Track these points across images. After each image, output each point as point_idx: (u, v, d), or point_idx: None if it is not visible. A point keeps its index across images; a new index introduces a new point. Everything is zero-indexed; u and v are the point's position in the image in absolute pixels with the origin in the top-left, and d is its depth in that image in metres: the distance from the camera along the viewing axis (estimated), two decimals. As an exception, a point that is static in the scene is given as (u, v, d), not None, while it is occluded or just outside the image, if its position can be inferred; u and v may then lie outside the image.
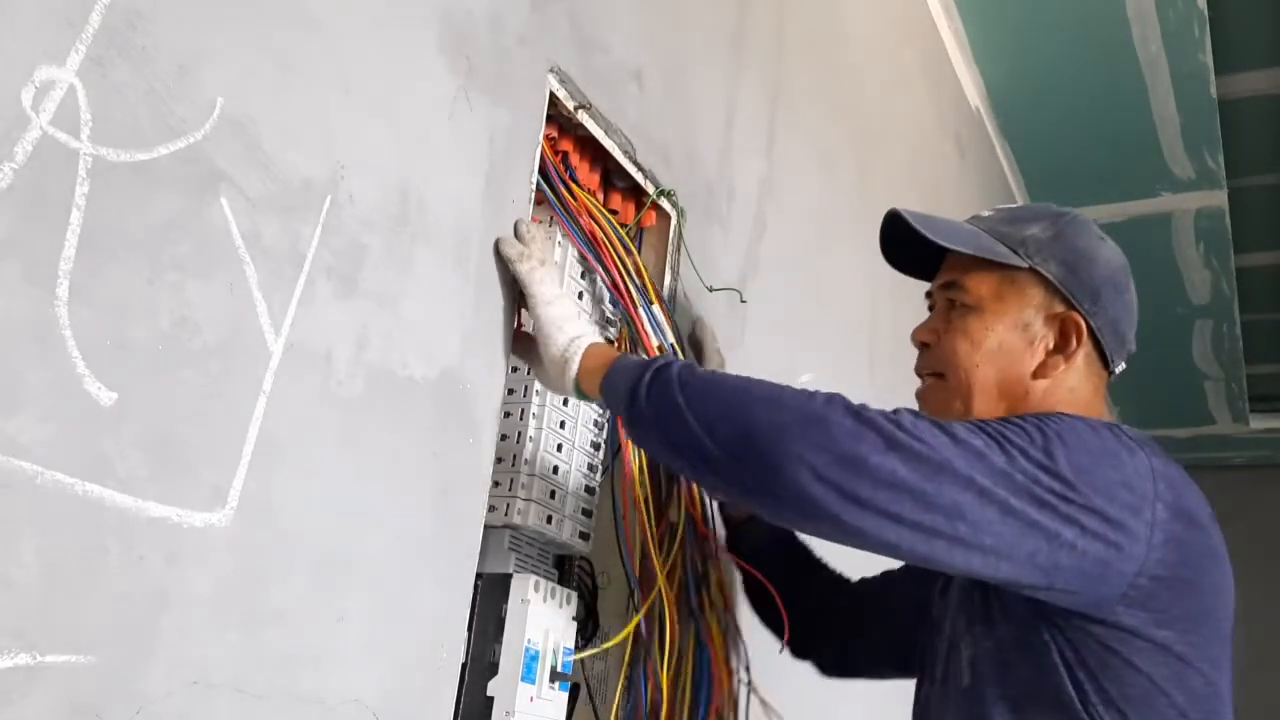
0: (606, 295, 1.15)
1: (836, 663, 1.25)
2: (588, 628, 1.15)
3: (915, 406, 1.07)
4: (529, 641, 0.98)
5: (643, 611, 1.07)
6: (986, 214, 1.09)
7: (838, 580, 1.26)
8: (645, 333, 1.14)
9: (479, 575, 0.96)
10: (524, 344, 1.04)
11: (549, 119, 1.08)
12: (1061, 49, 2.71)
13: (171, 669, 0.66)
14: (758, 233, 1.52)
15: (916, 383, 1.09)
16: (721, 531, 1.26)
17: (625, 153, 1.20)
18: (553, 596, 1.02)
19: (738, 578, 1.27)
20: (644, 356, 1.00)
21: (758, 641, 1.27)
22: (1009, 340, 1.01)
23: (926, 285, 1.12)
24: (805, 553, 1.26)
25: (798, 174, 1.69)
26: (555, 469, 1.05)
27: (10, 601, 0.58)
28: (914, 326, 1.10)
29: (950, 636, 1.02)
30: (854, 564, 1.28)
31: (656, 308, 1.17)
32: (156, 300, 0.66)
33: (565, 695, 1.02)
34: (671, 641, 1.08)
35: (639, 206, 1.25)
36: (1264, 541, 4.01)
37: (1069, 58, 2.74)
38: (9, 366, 0.58)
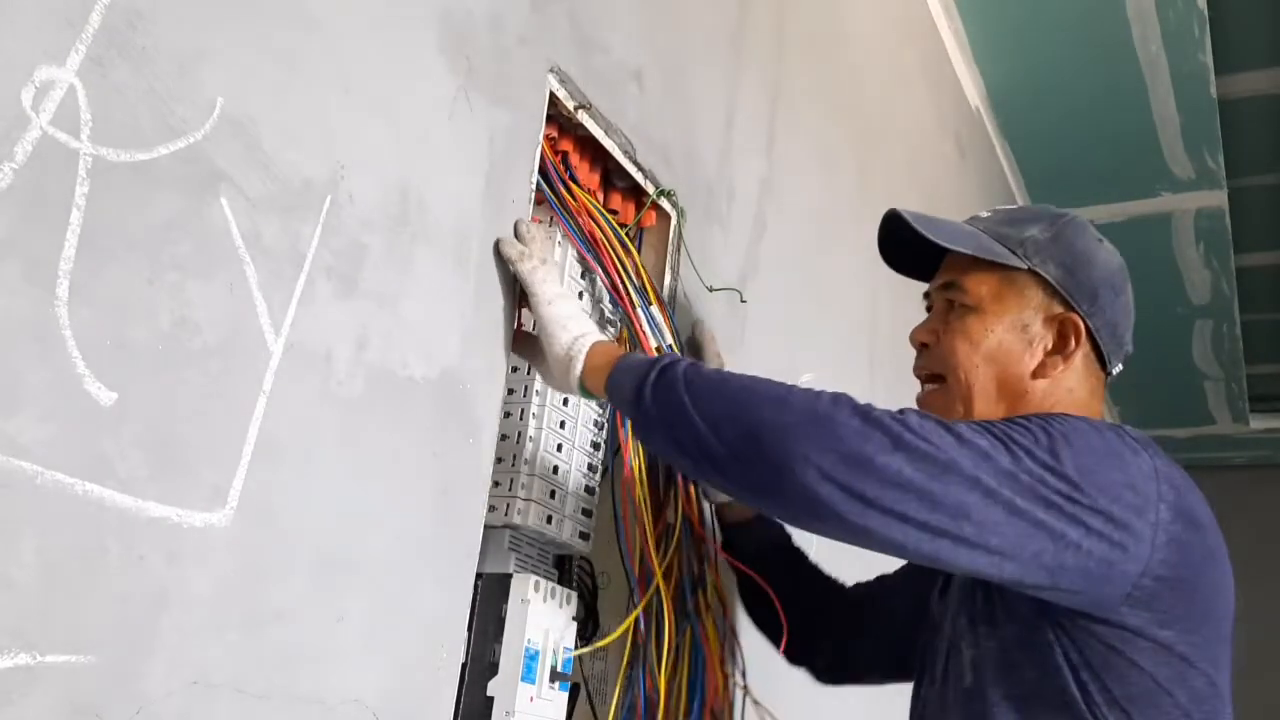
0: (606, 296, 1.15)
1: (832, 667, 1.25)
2: (588, 628, 1.15)
3: (912, 404, 1.07)
4: (529, 641, 0.98)
5: (640, 606, 1.07)
6: (985, 215, 1.09)
7: (832, 585, 1.26)
8: (643, 334, 1.14)
9: (479, 575, 0.96)
10: (527, 343, 1.04)
11: (549, 119, 1.08)
12: (1061, 49, 2.71)
13: (171, 669, 0.66)
14: (758, 233, 1.52)
15: (916, 383, 1.09)
16: (718, 534, 1.26)
17: (625, 153, 1.20)
18: (553, 596, 1.02)
19: (734, 581, 1.27)
20: (649, 355, 1.00)
21: (754, 645, 1.27)
22: (1008, 341, 1.01)
23: (925, 286, 1.12)
24: (800, 558, 1.26)
25: (798, 174, 1.69)
26: (555, 469, 1.05)
27: (10, 601, 0.58)
28: (911, 325, 1.10)
29: (951, 636, 1.02)
30: (850, 569, 1.28)
31: (655, 308, 1.17)
32: (156, 300, 0.66)
33: (565, 695, 1.02)
34: (669, 641, 1.08)
35: (639, 206, 1.25)
36: (1264, 541, 4.01)
37: (1069, 58, 2.74)
38: (9, 366, 0.58)
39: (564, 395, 1.07)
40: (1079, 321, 1.01)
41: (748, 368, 1.43)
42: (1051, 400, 1.01)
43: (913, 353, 1.10)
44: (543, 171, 1.06)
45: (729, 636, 1.22)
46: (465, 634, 0.94)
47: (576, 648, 1.05)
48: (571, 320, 0.99)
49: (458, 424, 0.93)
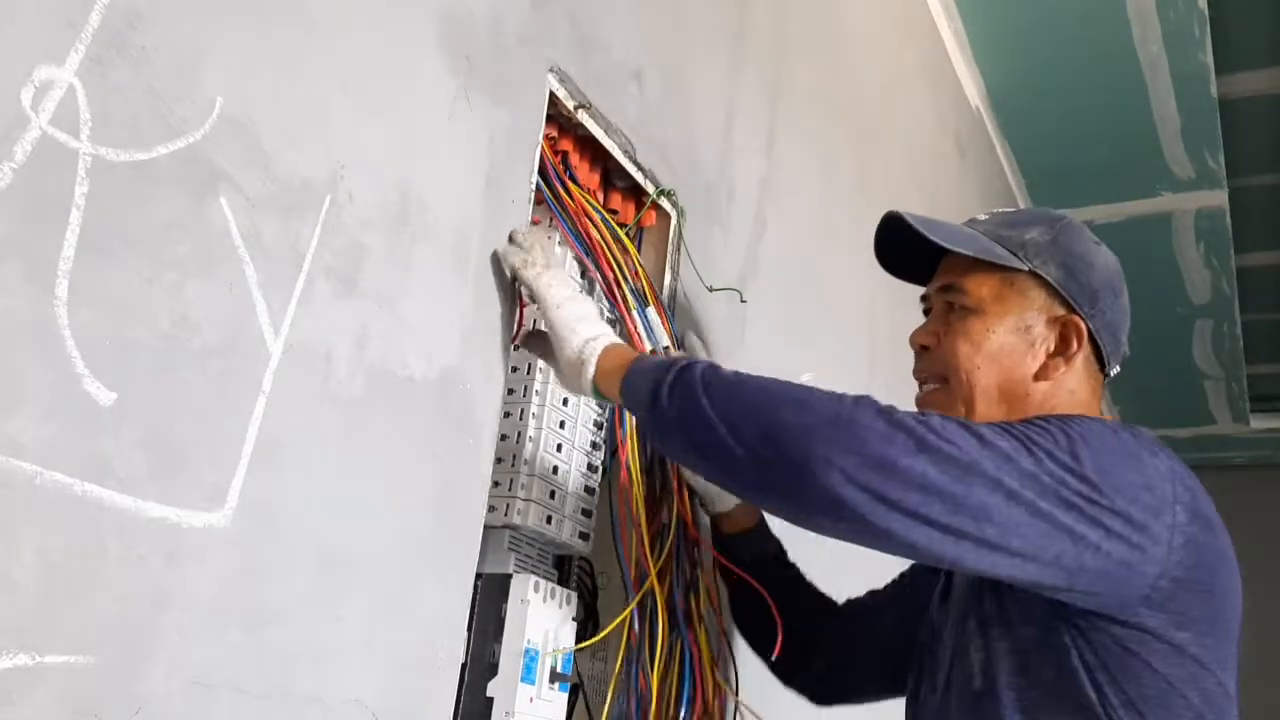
0: (603, 298, 1.15)
1: (827, 686, 1.24)
2: (588, 628, 1.15)
3: (911, 405, 1.06)
4: (529, 642, 0.98)
5: (635, 601, 1.06)
6: (983, 218, 1.09)
7: (826, 601, 1.25)
8: (637, 336, 1.14)
9: (479, 575, 0.96)
10: (541, 343, 1.03)
11: (549, 119, 1.08)
12: (1062, 49, 2.71)
13: (171, 669, 0.66)
14: (758, 233, 1.52)
15: (915, 383, 1.09)
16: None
17: (625, 152, 1.20)
18: (552, 597, 1.02)
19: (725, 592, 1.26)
20: (661, 359, 1.00)
21: (747, 653, 1.26)
22: (1010, 342, 1.01)
23: (921, 289, 1.12)
24: (796, 573, 1.24)
25: (798, 174, 1.69)
26: (555, 469, 1.05)
27: (10, 601, 0.58)
28: (912, 326, 1.10)
29: (955, 641, 1.01)
30: (842, 581, 1.28)
31: (652, 310, 1.16)
32: (156, 300, 0.66)
33: (565, 696, 1.02)
34: (662, 641, 1.08)
35: (639, 206, 1.25)
36: (1265, 542, 4.01)
37: (1069, 58, 2.74)
38: (9, 366, 0.58)
39: (564, 395, 1.07)
40: (1080, 323, 1.01)
41: (747, 368, 1.43)
42: (1053, 402, 1.01)
43: (912, 353, 1.10)
44: (542, 172, 1.06)
45: (720, 643, 1.21)
46: (465, 634, 0.94)
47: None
48: (582, 323, 0.98)
49: (458, 424, 0.93)
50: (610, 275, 1.12)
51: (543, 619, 1.00)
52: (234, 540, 0.71)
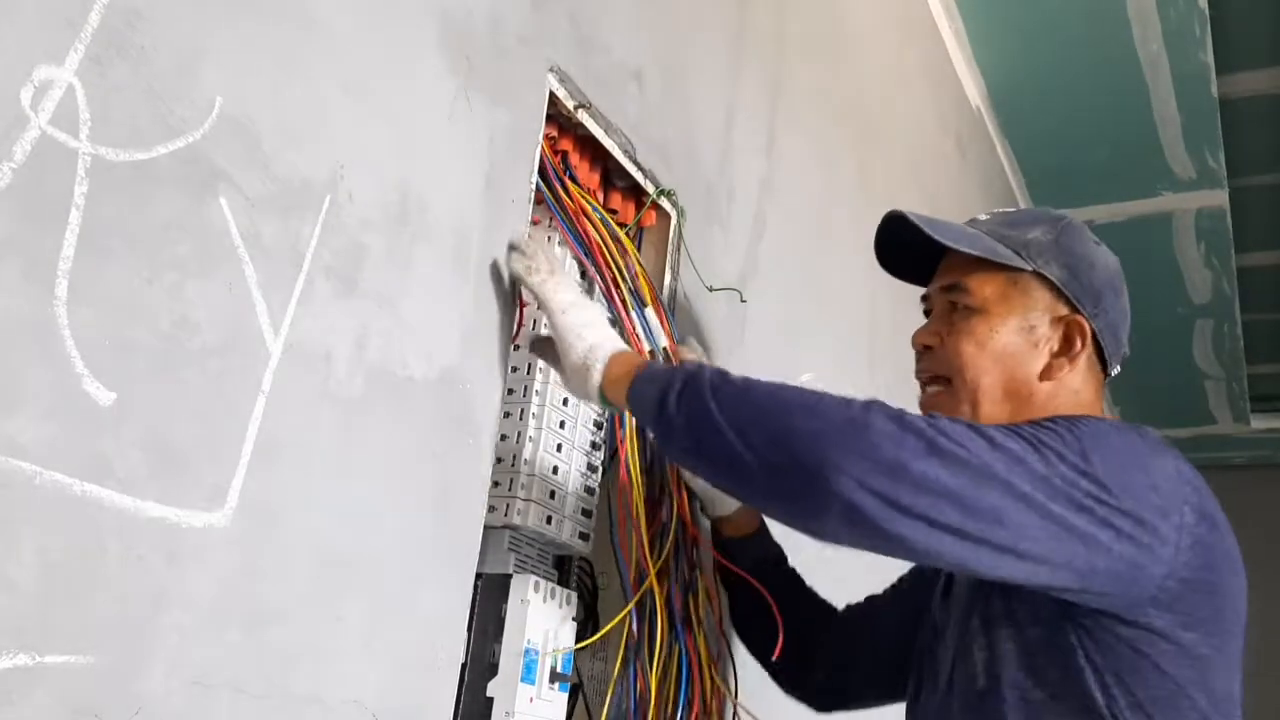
0: (603, 298, 1.15)
1: (828, 693, 1.23)
2: (588, 628, 1.15)
3: (915, 401, 1.06)
4: (529, 642, 0.98)
5: (634, 600, 1.06)
6: (984, 217, 1.09)
7: (826, 607, 1.24)
8: (636, 336, 1.13)
9: (479, 575, 0.96)
10: (547, 348, 1.03)
11: (549, 118, 1.08)
12: (1062, 49, 2.71)
13: (171, 669, 0.66)
14: (758, 233, 1.52)
15: (916, 383, 1.09)
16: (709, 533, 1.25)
17: (625, 152, 1.20)
18: (553, 597, 1.02)
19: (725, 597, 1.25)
20: (669, 366, 0.99)
21: (746, 653, 1.26)
22: (1014, 342, 1.01)
23: (920, 290, 1.12)
24: (797, 579, 1.24)
25: (798, 174, 1.69)
26: (555, 469, 1.05)
27: (10, 601, 0.58)
28: (913, 326, 1.10)
29: (958, 640, 1.01)
30: (847, 583, 1.28)
31: (650, 310, 1.16)
32: (156, 300, 0.66)
33: (565, 696, 1.02)
34: (661, 641, 1.08)
35: (639, 206, 1.25)
36: (1265, 542, 4.00)
37: (1070, 57, 2.73)
38: (8, 366, 0.58)
39: (564, 395, 1.07)
40: (1084, 323, 1.01)
41: (748, 368, 1.43)
42: (1056, 402, 1.01)
43: (912, 352, 1.10)
44: (541, 172, 1.06)
45: (720, 645, 1.21)
46: (465, 634, 0.94)
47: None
48: (587, 328, 0.98)
49: (458, 424, 0.93)
50: (609, 276, 1.12)
51: (543, 619, 1.00)
52: (234, 540, 0.71)
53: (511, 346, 1.02)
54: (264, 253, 0.74)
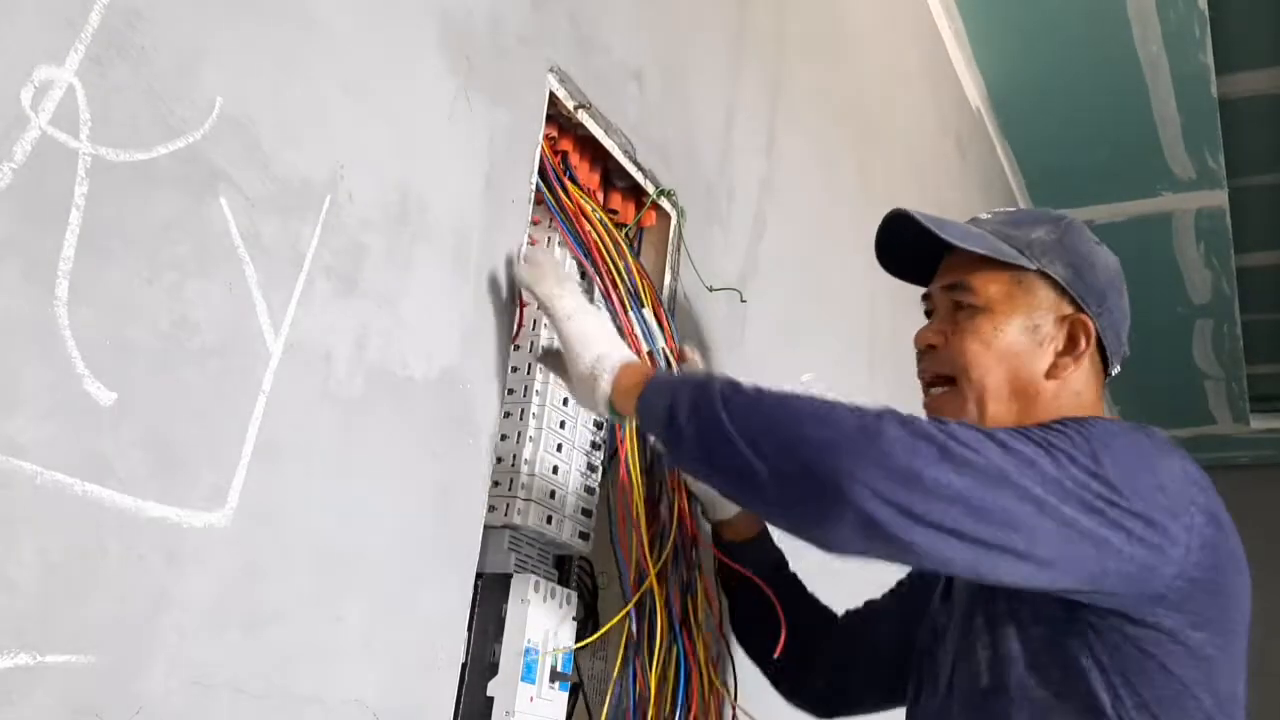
0: (602, 299, 1.15)
1: (829, 699, 1.23)
2: (588, 628, 1.15)
3: (915, 402, 1.06)
4: (529, 641, 0.98)
5: (634, 600, 1.06)
6: (986, 217, 1.09)
7: (826, 612, 1.24)
8: (634, 337, 1.13)
9: (479, 575, 0.96)
10: (557, 361, 1.02)
11: (549, 119, 1.08)
12: (1062, 49, 2.71)
13: (171, 669, 0.66)
14: (758, 233, 1.52)
15: (916, 383, 1.09)
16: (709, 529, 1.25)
17: (625, 152, 1.20)
18: (553, 596, 1.02)
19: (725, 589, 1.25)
20: (679, 376, 0.97)
21: (745, 655, 1.26)
22: (1019, 341, 1.01)
23: (919, 289, 1.12)
24: (798, 583, 1.24)
25: (798, 174, 1.69)
26: (555, 469, 1.05)
27: (10, 601, 0.58)
28: (913, 326, 1.10)
29: (960, 640, 1.00)
30: (847, 591, 1.28)
31: (648, 311, 1.16)
32: (156, 300, 0.66)
33: (565, 695, 1.02)
34: (660, 641, 1.08)
35: (639, 206, 1.25)
36: (1265, 541, 4.00)
37: (1070, 58, 2.74)
38: (9, 366, 0.58)
39: (564, 395, 1.07)
40: (1089, 322, 1.01)
41: (748, 368, 1.43)
42: (1059, 401, 1.01)
43: (912, 353, 1.09)
44: (541, 172, 1.06)
45: (720, 646, 1.21)
46: (465, 634, 0.94)
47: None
48: (593, 339, 0.97)
49: (458, 424, 0.93)
50: (606, 276, 1.12)
51: (543, 619, 1.00)
52: (234, 540, 0.71)
53: (511, 346, 1.02)
54: (264, 253, 0.74)
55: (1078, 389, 1.02)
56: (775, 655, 1.14)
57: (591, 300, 1.14)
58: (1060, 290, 1.02)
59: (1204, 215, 3.26)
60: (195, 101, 0.69)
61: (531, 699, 0.97)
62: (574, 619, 1.05)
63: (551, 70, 1.08)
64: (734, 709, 1.19)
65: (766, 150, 1.58)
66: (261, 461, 0.73)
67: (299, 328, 0.77)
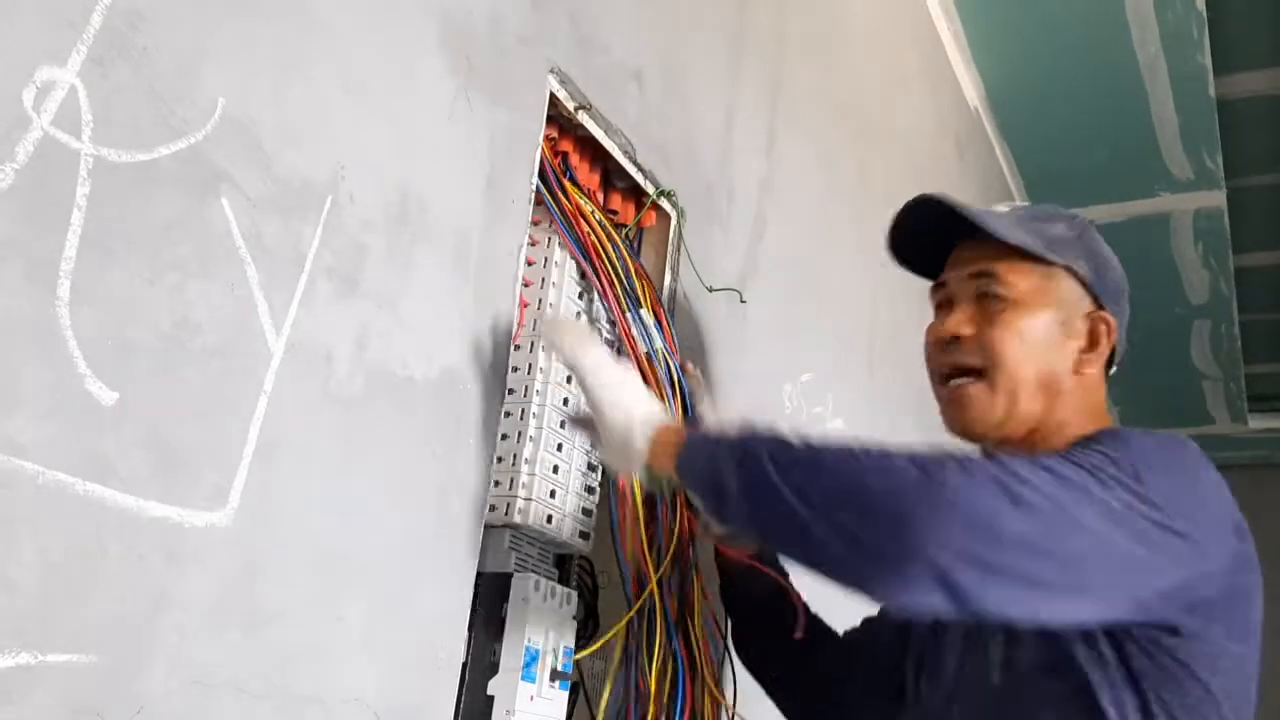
0: (601, 300, 1.15)
1: (824, 712, 1.21)
2: (588, 628, 1.15)
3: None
4: (529, 641, 0.98)
5: (636, 606, 1.06)
6: (1004, 209, 1.07)
7: (828, 631, 1.22)
8: (631, 338, 1.13)
9: (479, 575, 0.96)
10: (586, 425, 1.01)
11: (549, 119, 1.08)
12: (1061, 50, 2.72)
13: (171, 669, 0.66)
14: (758, 233, 1.53)
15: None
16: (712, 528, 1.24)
17: (625, 153, 1.20)
18: (553, 596, 1.02)
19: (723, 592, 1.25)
20: (719, 431, 0.94)
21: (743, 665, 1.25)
22: (1051, 337, 1.00)
23: (928, 284, 1.11)
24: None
25: (798, 174, 1.69)
26: (555, 469, 1.05)
27: (10, 601, 0.58)
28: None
29: (966, 640, 1.00)
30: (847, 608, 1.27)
31: (645, 312, 1.16)
32: (157, 300, 0.66)
33: (565, 694, 1.02)
34: (660, 641, 1.08)
35: (639, 207, 1.25)
36: (1264, 542, 4.01)
37: (1068, 59, 2.74)
38: (10, 366, 0.58)
39: (564, 395, 1.07)
40: (1110, 320, 1.01)
41: (748, 368, 1.43)
42: (1078, 397, 1.00)
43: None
44: (541, 173, 1.06)
45: (719, 649, 1.21)
46: (465, 634, 0.94)
47: (576, 649, 1.05)
48: (626, 398, 0.94)
49: (458, 424, 0.93)
50: (605, 277, 1.12)
51: (543, 618, 1.00)
52: (235, 540, 0.71)
53: (512, 346, 1.02)
54: (265, 253, 0.74)
55: (1093, 386, 1.02)
56: (797, 636, 1.13)
57: (591, 302, 1.14)
58: (1084, 287, 1.02)
59: (1202, 216, 3.26)
60: (196, 102, 0.69)
61: (532, 698, 0.97)
62: (574, 618, 1.05)
63: (552, 71, 1.08)
64: (731, 715, 1.19)
65: (766, 150, 1.58)
66: (262, 461, 0.73)
67: (300, 328, 0.77)
